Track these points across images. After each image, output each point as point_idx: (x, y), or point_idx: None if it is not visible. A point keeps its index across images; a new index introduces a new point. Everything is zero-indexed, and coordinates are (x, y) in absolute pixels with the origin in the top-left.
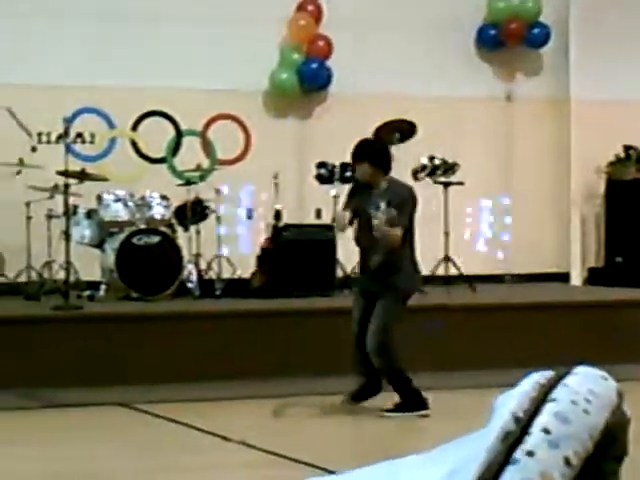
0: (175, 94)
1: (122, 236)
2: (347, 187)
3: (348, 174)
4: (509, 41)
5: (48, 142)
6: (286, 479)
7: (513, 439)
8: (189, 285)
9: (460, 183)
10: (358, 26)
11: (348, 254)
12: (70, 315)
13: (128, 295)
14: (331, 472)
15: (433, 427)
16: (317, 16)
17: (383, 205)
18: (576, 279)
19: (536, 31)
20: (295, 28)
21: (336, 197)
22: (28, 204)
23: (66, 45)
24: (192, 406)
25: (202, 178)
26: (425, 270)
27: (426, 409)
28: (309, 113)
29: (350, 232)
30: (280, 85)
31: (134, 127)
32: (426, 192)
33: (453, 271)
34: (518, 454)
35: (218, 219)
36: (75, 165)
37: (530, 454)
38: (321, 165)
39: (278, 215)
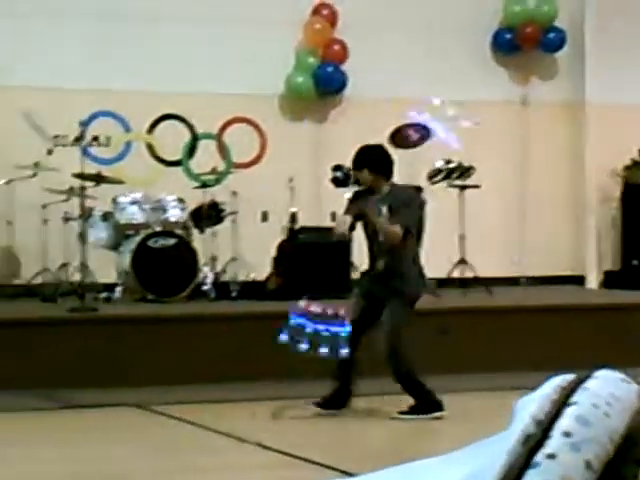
0: (191, 97)
1: (138, 238)
2: None
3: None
4: (525, 45)
5: (64, 145)
6: None
7: (534, 442)
8: (204, 287)
9: (476, 186)
10: (373, 30)
11: (363, 257)
12: (86, 317)
13: (144, 297)
14: (348, 474)
15: (448, 429)
16: (332, 20)
17: (385, 209)
18: (592, 282)
19: (552, 35)
20: (311, 32)
21: None
22: (44, 207)
23: (83, 48)
24: (208, 407)
25: (218, 181)
26: (441, 273)
27: (441, 410)
28: (324, 117)
29: (361, 235)
30: (296, 89)
31: (150, 130)
32: (442, 195)
33: (469, 274)
34: (539, 457)
35: (234, 222)
36: (91, 168)
37: (551, 457)
38: (337, 168)
39: (294, 218)
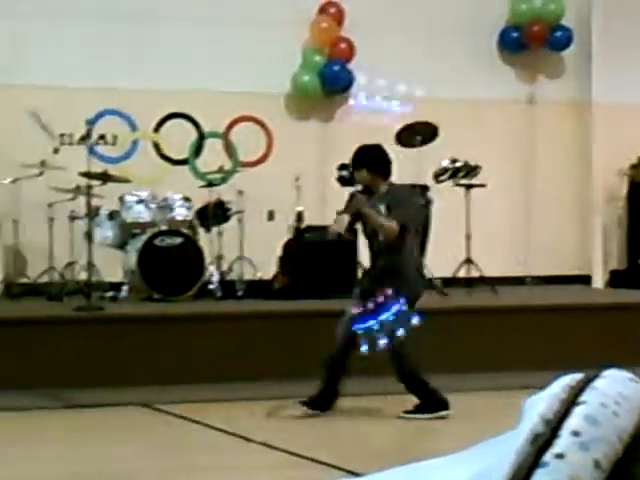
0: (197, 96)
1: (144, 237)
2: None
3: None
4: (531, 44)
5: (70, 144)
6: None
7: (542, 441)
8: (211, 286)
9: (482, 185)
10: (380, 29)
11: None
12: (92, 316)
13: (150, 296)
14: (354, 474)
15: (453, 429)
16: (339, 19)
17: (383, 209)
18: (598, 282)
19: (558, 34)
20: (317, 30)
21: None
22: (51, 205)
23: (90, 47)
24: (214, 407)
25: (224, 180)
26: (447, 272)
27: (446, 409)
28: (331, 115)
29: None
30: (302, 87)
31: (156, 129)
32: (448, 195)
33: (474, 273)
34: (547, 457)
35: (240, 221)
36: (97, 167)
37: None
38: (343, 167)
39: (300, 217)
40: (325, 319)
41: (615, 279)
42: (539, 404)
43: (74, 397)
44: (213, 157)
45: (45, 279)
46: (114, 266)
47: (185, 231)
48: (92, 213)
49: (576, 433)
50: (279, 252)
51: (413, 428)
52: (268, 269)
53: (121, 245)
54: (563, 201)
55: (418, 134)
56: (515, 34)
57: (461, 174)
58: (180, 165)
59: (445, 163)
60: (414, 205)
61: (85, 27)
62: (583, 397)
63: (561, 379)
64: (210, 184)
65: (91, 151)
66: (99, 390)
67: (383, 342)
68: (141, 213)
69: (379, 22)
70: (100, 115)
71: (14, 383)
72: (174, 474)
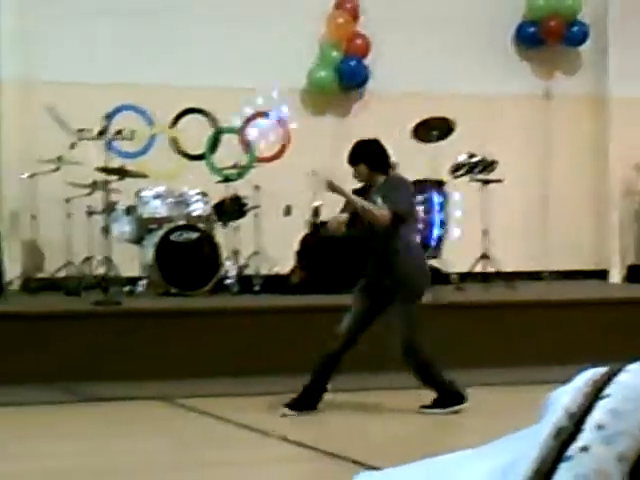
0: (214, 91)
1: (161, 232)
2: None
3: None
4: (548, 39)
5: (87, 139)
6: (326, 474)
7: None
8: (227, 281)
9: (498, 180)
10: (396, 24)
11: None
12: (110, 310)
13: (167, 291)
14: (371, 468)
15: (470, 423)
16: (355, 14)
17: (379, 200)
18: (615, 276)
19: (575, 29)
20: (333, 26)
21: None
22: (68, 201)
23: (106, 43)
24: (230, 401)
25: (241, 175)
26: (463, 267)
27: (463, 402)
28: (347, 111)
29: None
30: (318, 83)
31: (173, 124)
32: (464, 190)
33: (491, 268)
34: (571, 451)
35: (256, 216)
36: (114, 162)
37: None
38: None
39: (316, 212)
40: (342, 314)
41: (632, 274)
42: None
43: (91, 391)
44: (230, 152)
45: (63, 274)
46: (131, 261)
47: (202, 226)
48: (109, 208)
49: (600, 427)
50: (296, 247)
51: (430, 423)
52: (285, 264)
53: (138, 240)
54: (580, 196)
55: (434, 129)
56: (532, 29)
57: (478, 169)
58: (197, 160)
59: (462, 158)
60: (407, 193)
61: (103, 23)
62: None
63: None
64: (227, 179)
65: (108, 146)
66: (116, 384)
67: None
68: (158, 208)
69: (395, 17)
70: (117, 110)
71: (32, 377)
72: (190, 468)
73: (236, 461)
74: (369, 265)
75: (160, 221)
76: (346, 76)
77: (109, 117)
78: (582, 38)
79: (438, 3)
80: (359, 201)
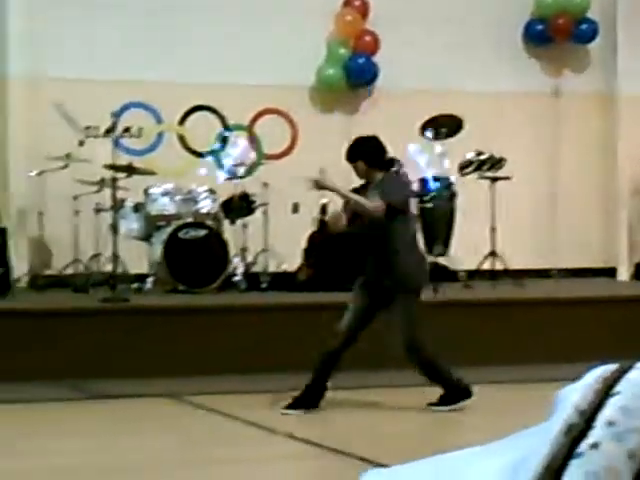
0: (222, 89)
1: (169, 230)
2: None
3: (394, 169)
4: (557, 36)
5: (96, 136)
6: (332, 471)
7: (577, 432)
8: (235, 278)
9: (507, 178)
10: (404, 21)
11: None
12: (117, 307)
13: (175, 288)
14: (378, 465)
15: (478, 421)
16: (363, 11)
17: (377, 197)
18: (623, 274)
19: (584, 27)
20: (342, 23)
21: None
22: (76, 198)
23: (114, 40)
24: (239, 398)
25: (249, 172)
26: (471, 265)
27: (470, 396)
28: (355, 108)
29: None
30: (327, 80)
31: (181, 121)
32: (472, 187)
33: (499, 266)
34: (582, 447)
35: (264, 213)
36: (122, 159)
37: (594, 447)
38: None
39: (324, 209)
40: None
41: None
42: (573, 395)
43: (99, 388)
44: (238, 150)
45: (70, 271)
46: (139, 258)
47: (210, 223)
48: (117, 205)
49: (611, 424)
50: (303, 244)
51: (436, 420)
52: (292, 261)
53: (146, 237)
54: (588, 194)
55: (443, 127)
56: (540, 27)
57: (486, 167)
58: (205, 158)
59: (470, 156)
60: (402, 187)
61: (111, 21)
62: (617, 388)
63: (594, 370)
64: (235, 176)
65: (116, 144)
66: (124, 381)
67: None
68: (166, 205)
69: (404, 15)
70: (125, 108)
71: (40, 374)
72: (198, 465)
73: (243, 458)
74: (368, 264)
75: (168, 218)
76: (354, 73)
77: (117, 114)
78: (591, 36)
79: (447, 1)
80: (352, 196)
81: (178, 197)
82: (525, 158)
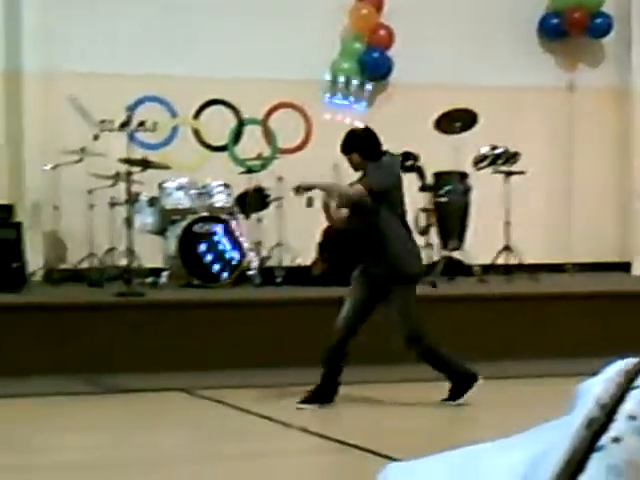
0: (237, 83)
1: (184, 224)
2: (408, 176)
3: (409, 163)
4: (572, 31)
5: (110, 130)
6: (346, 465)
7: (598, 426)
8: (250, 273)
9: (521, 172)
10: (419, 15)
11: None
12: (132, 302)
13: (189, 282)
14: (395, 460)
15: (493, 416)
16: (378, 5)
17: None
18: (638, 269)
19: (599, 21)
20: (356, 17)
21: None
22: (91, 192)
23: (130, 34)
24: (254, 392)
25: (263, 166)
26: (486, 259)
27: (477, 380)
28: (370, 102)
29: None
30: (341, 74)
31: (196, 115)
32: (487, 181)
33: (513, 260)
34: (603, 441)
35: (279, 207)
36: (137, 153)
37: (616, 441)
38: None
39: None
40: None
41: None
42: (594, 388)
43: (113, 382)
44: (252, 144)
45: (85, 265)
46: (154, 252)
47: (224, 217)
48: (132, 199)
49: (632, 417)
50: (318, 238)
51: (451, 415)
52: (307, 255)
53: (161, 231)
54: (603, 188)
55: (457, 121)
56: (555, 21)
57: (501, 161)
58: (219, 152)
59: (485, 150)
60: (385, 172)
61: (126, 14)
62: (638, 381)
63: (615, 363)
64: (249, 171)
65: (131, 138)
66: (138, 375)
67: None
68: (181, 199)
69: (418, 9)
70: (140, 102)
71: (54, 368)
72: (212, 460)
73: (258, 453)
74: (364, 258)
75: (183, 212)
76: (369, 68)
77: (132, 108)
78: (606, 30)
79: None
80: (333, 186)
81: (193, 191)
82: (540, 152)
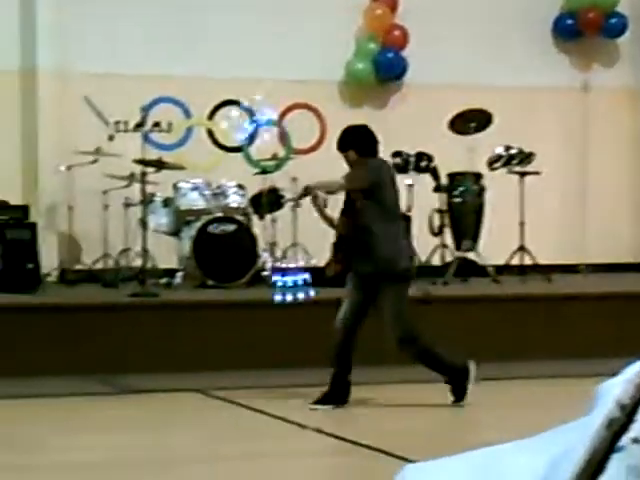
0: (250, 83)
1: (198, 224)
2: (422, 177)
3: (423, 163)
4: (586, 31)
5: (125, 131)
6: (360, 466)
7: (618, 426)
8: (264, 273)
9: (536, 173)
10: (434, 16)
11: (420, 244)
12: (147, 302)
13: (204, 283)
14: (409, 460)
15: (507, 417)
16: (393, 6)
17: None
18: None
19: (614, 21)
20: (371, 18)
21: (411, 186)
22: (105, 192)
23: (143, 35)
24: (268, 393)
25: (278, 167)
26: (500, 260)
27: (468, 372)
28: (384, 103)
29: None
30: (356, 75)
31: (211, 116)
32: (502, 182)
33: (528, 261)
34: (623, 441)
35: (293, 208)
36: (152, 154)
37: (636, 441)
38: (396, 154)
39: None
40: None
41: None
42: (614, 389)
43: (128, 383)
44: (267, 144)
45: (100, 266)
46: (168, 253)
47: (239, 218)
48: (146, 200)
49: None
50: (332, 239)
51: (466, 416)
52: (321, 256)
53: (175, 232)
54: (617, 189)
55: (472, 121)
56: (570, 21)
57: (515, 161)
58: (234, 152)
59: (499, 150)
60: (371, 169)
61: (140, 15)
62: None
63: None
64: (264, 171)
65: (146, 138)
66: (153, 376)
67: None
68: (195, 200)
69: (433, 9)
70: (155, 102)
71: (69, 369)
72: (227, 460)
73: (273, 453)
74: (356, 260)
75: (197, 213)
76: (384, 68)
77: (147, 109)
78: (621, 30)
79: None
80: (332, 181)
81: (207, 192)
82: (554, 153)
